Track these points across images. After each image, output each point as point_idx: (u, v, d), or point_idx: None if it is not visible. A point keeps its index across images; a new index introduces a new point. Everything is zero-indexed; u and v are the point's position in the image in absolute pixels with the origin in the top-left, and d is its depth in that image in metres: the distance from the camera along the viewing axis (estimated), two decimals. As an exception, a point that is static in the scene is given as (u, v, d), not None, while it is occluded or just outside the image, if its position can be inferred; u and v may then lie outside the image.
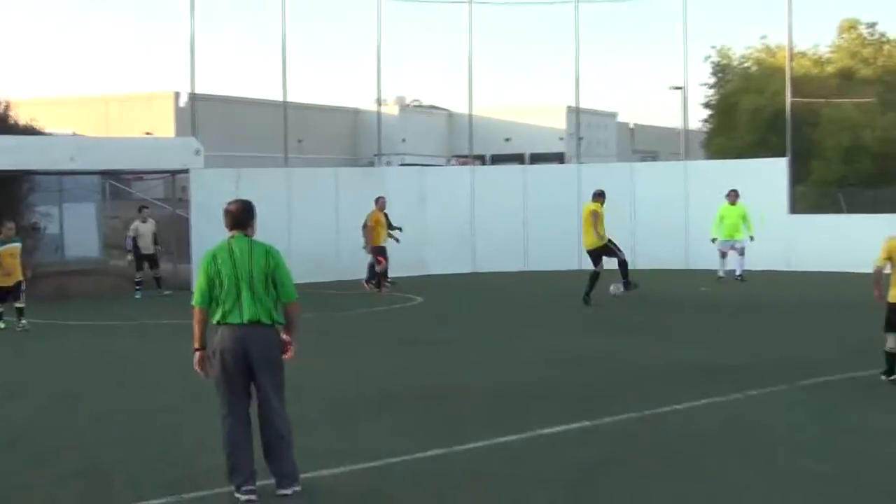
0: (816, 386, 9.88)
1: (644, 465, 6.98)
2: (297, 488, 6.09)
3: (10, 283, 14.73)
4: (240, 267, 6.19)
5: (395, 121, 37.72)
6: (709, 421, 8.48)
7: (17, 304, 14.93)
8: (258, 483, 6.04)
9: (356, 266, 20.62)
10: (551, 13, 38.87)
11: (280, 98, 24.98)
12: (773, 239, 22.97)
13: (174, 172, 24.41)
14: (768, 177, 23.65)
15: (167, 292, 20.80)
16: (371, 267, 19.87)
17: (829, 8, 38.88)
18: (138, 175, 27.52)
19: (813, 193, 27.33)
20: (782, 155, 24.22)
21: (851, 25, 31.25)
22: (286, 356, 6.31)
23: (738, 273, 20.33)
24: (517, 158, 34.43)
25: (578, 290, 17.46)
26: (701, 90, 33.38)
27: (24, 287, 15.02)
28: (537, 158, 34.52)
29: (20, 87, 52.33)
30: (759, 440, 7.78)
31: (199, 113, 25.48)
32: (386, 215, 20.52)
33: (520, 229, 23.29)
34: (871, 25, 31.42)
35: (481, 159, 33.00)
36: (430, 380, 10.51)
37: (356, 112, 43.11)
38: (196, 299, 6.28)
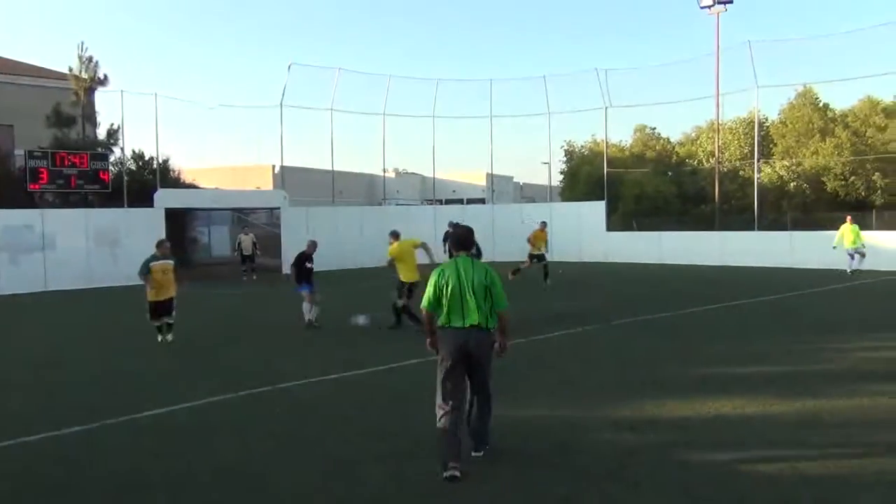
0: (621, 325, 13.47)
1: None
2: (483, 451, 6.29)
3: (162, 297, 12.73)
4: (463, 280, 6.09)
5: (427, 182, 39.62)
6: (562, 344, 11.58)
7: (167, 320, 12.90)
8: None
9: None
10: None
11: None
12: (597, 246, 30.04)
13: (272, 209, 30.78)
14: (595, 211, 31.36)
15: (254, 276, 26.00)
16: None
17: (631, 119, 44.84)
18: (252, 210, 33.21)
19: (619, 220, 33.07)
20: (602, 199, 31.71)
21: (642, 128, 39.08)
22: (500, 355, 6.26)
23: (849, 270, 22.63)
24: (459, 201, 38.91)
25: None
26: (559, 165, 39.71)
27: (175, 304, 13.02)
28: (470, 201, 39.24)
29: (182, 159, 62.35)
30: (594, 354, 10.82)
31: (286, 175, 31.99)
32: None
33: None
34: (653, 128, 39.53)
35: (440, 202, 37.83)
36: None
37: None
38: (425, 304, 6.25)
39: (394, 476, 6.08)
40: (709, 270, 25.62)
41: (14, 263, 23.37)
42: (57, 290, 23.40)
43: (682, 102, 38.70)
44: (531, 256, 21.74)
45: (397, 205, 35.84)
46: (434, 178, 35.15)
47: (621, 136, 40.82)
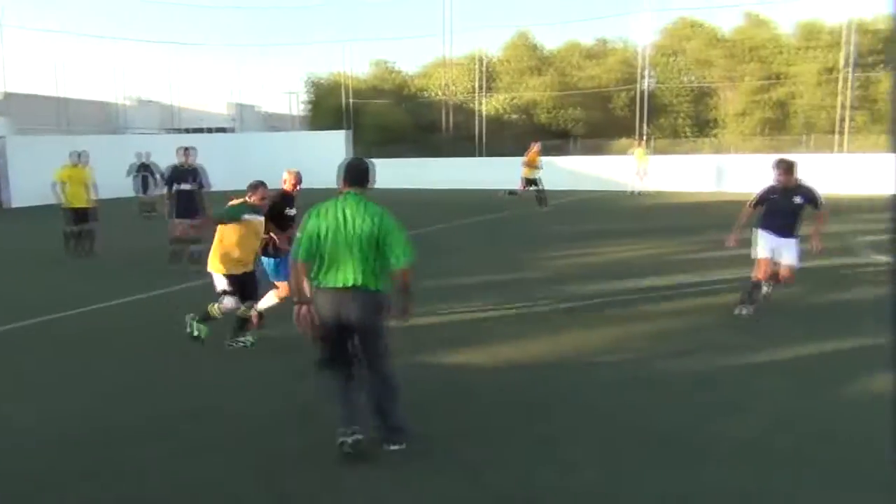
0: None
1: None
2: (402, 446, 4.47)
3: (239, 269, 7.03)
4: (348, 227, 4.36)
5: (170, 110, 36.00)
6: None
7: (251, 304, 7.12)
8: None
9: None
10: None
11: None
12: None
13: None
14: (337, 140, 31.75)
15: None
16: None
17: (372, 53, 43.46)
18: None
19: (362, 148, 32.47)
20: (347, 129, 32.52)
21: (379, 62, 38.12)
22: (403, 319, 4.67)
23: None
24: (205, 130, 34.97)
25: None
26: (304, 96, 38.96)
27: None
28: (218, 130, 36.16)
29: None
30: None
31: (11, 102, 27.91)
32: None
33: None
34: (391, 63, 38.58)
35: (183, 131, 34.89)
36: None
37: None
38: (300, 254, 4.42)
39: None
40: (436, 194, 26.59)
41: None
42: None
43: (417, 38, 39.06)
44: (527, 181, 20.07)
45: (140, 134, 33.16)
46: (176, 105, 33.51)
47: (361, 69, 39.96)
